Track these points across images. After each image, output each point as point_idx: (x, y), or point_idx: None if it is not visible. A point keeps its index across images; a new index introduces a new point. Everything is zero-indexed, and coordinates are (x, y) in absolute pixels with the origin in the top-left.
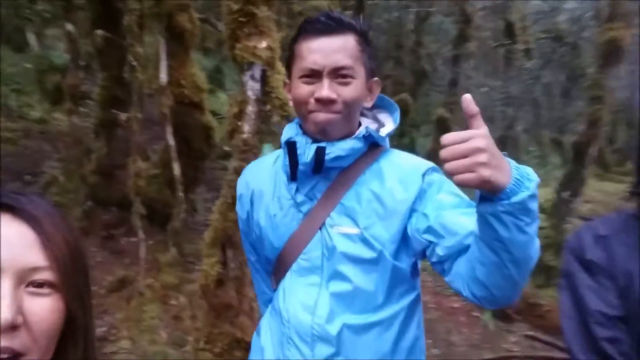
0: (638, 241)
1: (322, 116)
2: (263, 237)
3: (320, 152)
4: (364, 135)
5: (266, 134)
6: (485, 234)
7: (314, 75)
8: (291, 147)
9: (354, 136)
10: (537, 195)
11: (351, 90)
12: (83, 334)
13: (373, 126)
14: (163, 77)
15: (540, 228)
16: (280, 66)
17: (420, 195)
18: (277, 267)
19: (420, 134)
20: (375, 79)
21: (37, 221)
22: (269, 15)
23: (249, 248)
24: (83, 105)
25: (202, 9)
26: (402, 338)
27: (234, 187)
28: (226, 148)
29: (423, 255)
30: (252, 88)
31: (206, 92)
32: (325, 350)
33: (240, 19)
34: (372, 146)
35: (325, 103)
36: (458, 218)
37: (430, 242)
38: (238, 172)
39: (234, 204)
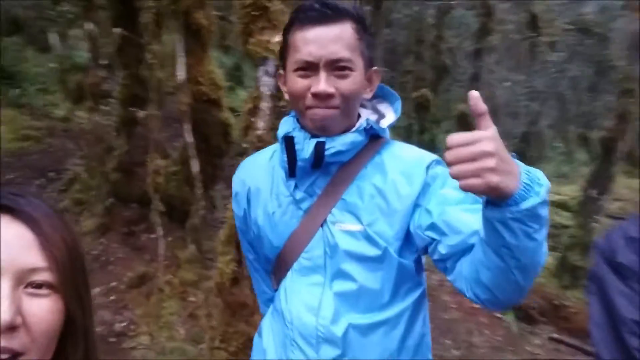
0: None
1: (320, 113)
2: (262, 235)
3: (319, 147)
4: (364, 128)
5: None
6: (491, 239)
7: (309, 68)
8: (289, 142)
9: (354, 129)
10: (547, 201)
11: (349, 83)
12: (83, 334)
13: (373, 117)
14: (181, 74)
15: (566, 227)
16: None
17: (424, 189)
18: (278, 266)
19: (441, 130)
20: (375, 68)
21: (35, 222)
22: (282, 9)
23: (247, 246)
24: (105, 103)
25: (221, 7)
26: (409, 336)
27: None
28: (245, 145)
29: (425, 251)
30: (266, 83)
31: (224, 89)
32: (330, 351)
33: (253, 12)
34: (373, 138)
35: (322, 98)
36: (462, 215)
37: (433, 239)
38: None
39: None
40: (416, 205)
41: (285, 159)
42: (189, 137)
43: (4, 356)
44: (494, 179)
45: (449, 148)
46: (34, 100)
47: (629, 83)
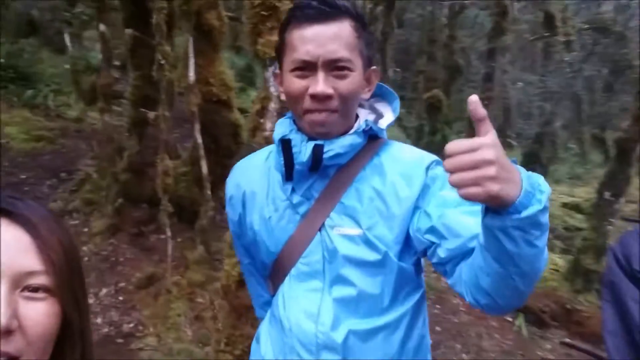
0: None
1: (319, 118)
2: (258, 241)
3: (317, 150)
4: (363, 130)
5: None
6: (491, 246)
7: (307, 68)
8: (286, 145)
9: (353, 131)
10: (548, 208)
11: (348, 84)
12: (80, 337)
13: (371, 117)
14: (191, 75)
15: (580, 229)
16: None
17: (424, 191)
18: (275, 272)
19: (453, 131)
20: (374, 67)
21: (33, 225)
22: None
23: (242, 251)
24: (117, 104)
25: (233, 7)
26: (409, 339)
27: None
28: (253, 146)
29: (424, 254)
30: (275, 84)
31: (234, 89)
32: (330, 358)
33: (262, 12)
34: (371, 139)
35: (321, 99)
36: (462, 218)
37: (432, 242)
38: None
39: None
40: (416, 208)
41: (282, 162)
42: (199, 138)
43: None
44: (494, 187)
45: (448, 156)
46: (48, 101)
47: None
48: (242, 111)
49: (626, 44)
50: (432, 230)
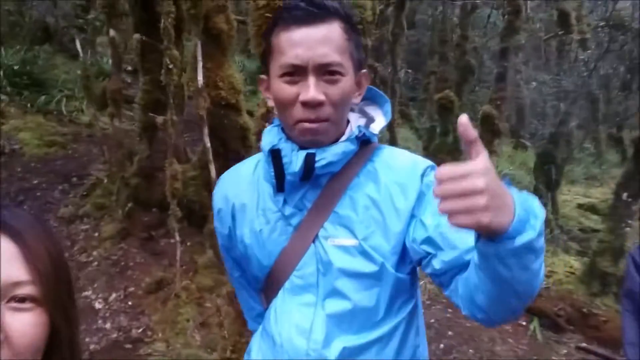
0: None
1: (311, 128)
2: (249, 255)
3: (309, 159)
4: (356, 136)
5: None
6: (485, 269)
7: (296, 73)
8: (275, 155)
9: (345, 138)
10: (543, 233)
11: (340, 89)
12: (68, 346)
13: (361, 121)
14: (200, 79)
15: (596, 231)
16: None
17: (419, 199)
18: (268, 286)
19: None
20: (364, 71)
21: (19, 235)
22: None
23: (232, 264)
24: (129, 108)
25: (244, 12)
26: (402, 351)
27: None
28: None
29: (418, 263)
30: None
31: (242, 93)
32: None
33: (267, 14)
34: (363, 144)
35: (312, 106)
36: None
37: (428, 253)
38: None
39: None
40: (412, 216)
41: (273, 173)
42: (208, 142)
43: None
44: (485, 218)
45: (437, 181)
46: (61, 106)
47: None
48: (252, 115)
49: None
50: (428, 240)
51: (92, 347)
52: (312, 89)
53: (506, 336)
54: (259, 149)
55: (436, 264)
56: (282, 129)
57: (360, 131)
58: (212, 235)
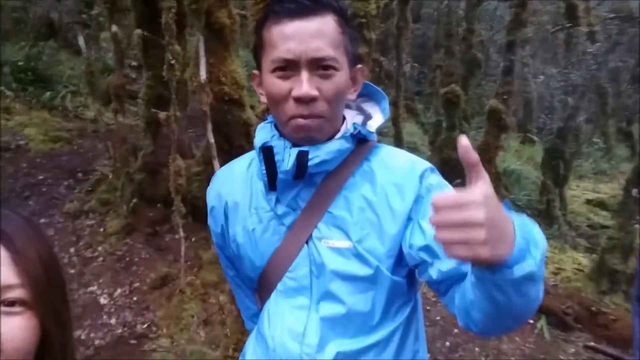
0: None
1: (305, 124)
2: (242, 254)
3: (302, 157)
4: (352, 134)
5: None
6: (482, 291)
7: (289, 67)
8: (267, 152)
9: (340, 135)
10: (543, 262)
11: (334, 84)
12: (60, 349)
13: (358, 118)
14: (202, 74)
15: (605, 227)
16: None
17: (417, 202)
18: (261, 286)
19: (472, 127)
20: (359, 66)
21: (8, 238)
22: None
23: (226, 263)
24: (134, 104)
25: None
26: (401, 356)
27: None
28: None
29: (415, 268)
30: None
31: (246, 88)
32: None
33: None
34: (359, 142)
35: (306, 101)
36: None
37: (425, 260)
38: None
39: None
40: (409, 219)
41: (265, 171)
42: (211, 137)
43: None
44: (484, 252)
45: (434, 209)
46: (66, 102)
47: None
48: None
49: None
50: (426, 248)
51: (97, 342)
52: (305, 84)
53: (513, 334)
54: None
55: (433, 272)
56: (276, 126)
57: (355, 129)
58: None
